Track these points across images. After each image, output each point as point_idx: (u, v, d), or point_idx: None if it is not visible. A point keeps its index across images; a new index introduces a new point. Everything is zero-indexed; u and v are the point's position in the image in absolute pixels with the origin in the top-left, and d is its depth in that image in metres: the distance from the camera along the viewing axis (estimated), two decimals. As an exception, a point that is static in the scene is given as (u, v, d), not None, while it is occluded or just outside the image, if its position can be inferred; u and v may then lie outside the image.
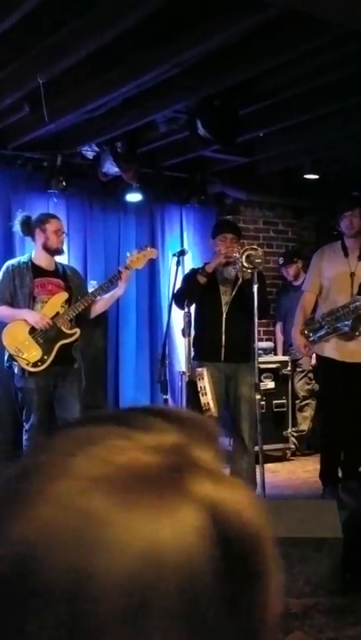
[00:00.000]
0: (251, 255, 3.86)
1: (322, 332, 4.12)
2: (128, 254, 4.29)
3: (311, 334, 4.15)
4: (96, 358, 4.82)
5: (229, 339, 4.06)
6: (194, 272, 4.27)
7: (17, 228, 4.30)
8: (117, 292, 4.22)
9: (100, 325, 4.83)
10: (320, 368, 4.57)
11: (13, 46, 3.45)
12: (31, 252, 4.32)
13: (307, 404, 5.75)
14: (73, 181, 5.05)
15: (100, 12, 3.05)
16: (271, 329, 6.08)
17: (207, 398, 3.69)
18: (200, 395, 3.69)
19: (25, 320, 4.05)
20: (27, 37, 3.36)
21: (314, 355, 4.60)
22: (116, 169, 4.80)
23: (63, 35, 3.29)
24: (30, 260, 4.21)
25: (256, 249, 4.03)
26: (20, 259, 4.31)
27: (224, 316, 4.10)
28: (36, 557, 0.33)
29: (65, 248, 4.43)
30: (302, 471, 5.22)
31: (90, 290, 4.37)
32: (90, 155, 4.99)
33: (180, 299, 4.05)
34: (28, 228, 4.23)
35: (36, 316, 4.04)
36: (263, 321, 5.11)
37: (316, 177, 5.39)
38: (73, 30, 3.23)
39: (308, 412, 5.74)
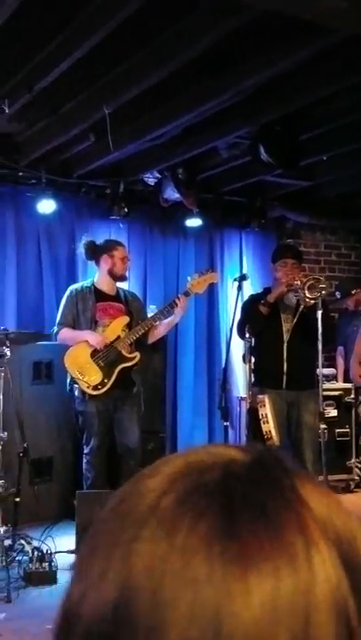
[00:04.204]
0: (313, 285, 3.79)
1: None
2: (189, 278, 4.29)
3: None
4: (155, 383, 4.83)
5: (291, 366, 3.98)
6: (253, 300, 4.20)
7: (81, 251, 4.39)
8: (174, 319, 4.21)
9: (159, 350, 4.85)
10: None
11: (80, 79, 3.57)
12: (93, 276, 4.40)
13: (372, 433, 5.55)
14: (134, 207, 5.14)
15: (162, 45, 3.12)
16: (332, 354, 5.95)
17: (269, 426, 3.62)
18: (261, 422, 3.63)
19: (87, 342, 4.11)
20: (92, 70, 3.47)
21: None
22: (177, 195, 4.86)
23: (128, 67, 3.38)
24: (93, 284, 4.28)
25: (319, 279, 3.95)
26: (82, 283, 4.39)
27: (285, 343, 4.03)
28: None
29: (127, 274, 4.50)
30: (367, 503, 5.02)
31: (149, 314, 4.40)
32: (151, 181, 5.07)
33: (241, 329, 3.99)
34: (93, 252, 4.31)
35: (98, 337, 4.09)
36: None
37: (380, 200, 5.28)
38: (137, 62, 3.32)
39: (374, 442, 5.54)
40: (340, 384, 5.62)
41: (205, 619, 0.30)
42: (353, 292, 5.62)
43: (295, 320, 4.04)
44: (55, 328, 4.24)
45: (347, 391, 5.47)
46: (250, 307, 4.15)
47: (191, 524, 0.33)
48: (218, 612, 0.30)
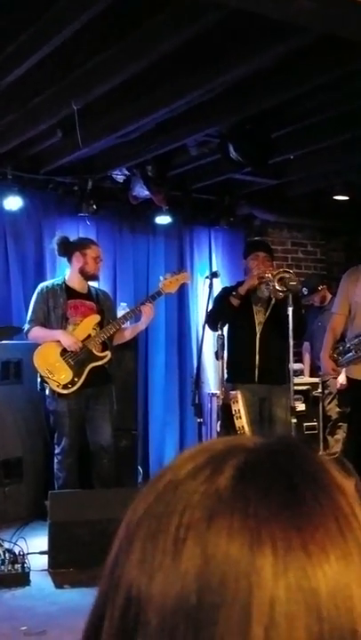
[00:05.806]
0: (284, 278, 3.84)
1: (350, 355, 4.07)
2: (161, 278, 4.28)
3: (340, 358, 4.10)
4: (126, 381, 4.81)
5: (263, 360, 4.02)
6: (226, 292, 4.24)
7: (54, 247, 4.33)
8: (140, 325, 4.20)
9: (131, 348, 4.83)
10: (350, 390, 4.50)
11: (48, 74, 3.52)
12: (64, 274, 4.35)
13: (338, 427, 5.66)
14: (103, 205, 5.10)
15: (134, 41, 3.10)
16: (299, 350, 6.03)
17: (242, 422, 3.66)
18: (235, 418, 3.66)
19: (57, 341, 4.06)
20: (62, 65, 3.42)
21: (342, 377, 4.55)
22: (147, 192, 4.84)
23: (98, 62, 3.35)
24: (64, 281, 4.23)
25: (289, 272, 4.01)
26: (53, 281, 4.33)
27: (258, 336, 4.07)
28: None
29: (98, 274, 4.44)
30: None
31: (120, 313, 4.37)
32: (120, 178, 5.04)
33: (212, 320, 4.02)
34: (66, 249, 4.25)
35: (70, 339, 4.04)
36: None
37: (346, 198, 5.37)
38: (108, 58, 3.29)
39: (340, 435, 5.65)
40: (308, 378, 5.71)
41: (289, 579, 0.34)
42: (319, 289, 5.71)
43: (268, 313, 4.08)
44: (26, 326, 4.17)
45: (314, 385, 5.56)
46: (221, 298, 4.18)
47: (259, 497, 0.35)
48: (302, 575, 0.34)
